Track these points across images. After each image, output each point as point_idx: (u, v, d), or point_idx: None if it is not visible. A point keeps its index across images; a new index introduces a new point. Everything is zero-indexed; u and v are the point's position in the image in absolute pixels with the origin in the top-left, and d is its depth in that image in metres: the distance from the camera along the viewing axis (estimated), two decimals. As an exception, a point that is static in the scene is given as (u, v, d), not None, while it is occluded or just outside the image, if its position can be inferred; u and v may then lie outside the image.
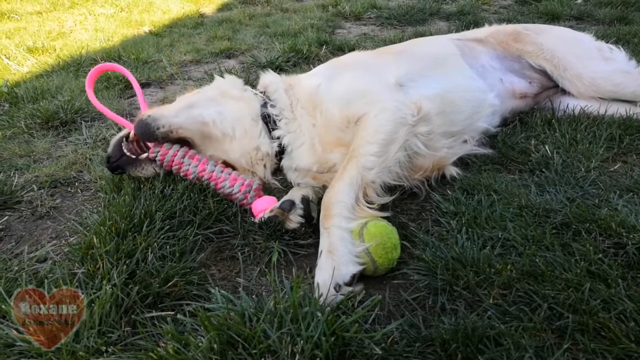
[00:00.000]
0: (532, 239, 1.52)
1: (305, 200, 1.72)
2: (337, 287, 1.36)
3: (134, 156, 1.85)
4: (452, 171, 1.92)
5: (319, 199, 1.81)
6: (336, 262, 1.41)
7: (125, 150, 1.85)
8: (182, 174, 1.82)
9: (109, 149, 1.92)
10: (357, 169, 1.64)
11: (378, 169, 1.67)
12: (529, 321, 1.24)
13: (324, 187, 1.85)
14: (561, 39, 2.55)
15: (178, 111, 1.85)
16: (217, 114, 1.88)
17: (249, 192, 1.80)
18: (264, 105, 1.97)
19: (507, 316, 1.27)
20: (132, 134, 1.88)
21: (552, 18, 4.78)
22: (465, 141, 2.08)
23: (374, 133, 1.71)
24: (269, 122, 1.94)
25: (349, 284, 1.38)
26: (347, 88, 1.92)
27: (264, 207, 1.74)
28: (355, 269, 1.41)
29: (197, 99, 1.96)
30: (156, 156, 1.81)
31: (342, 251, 1.43)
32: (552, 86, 2.50)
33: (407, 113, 1.79)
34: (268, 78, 2.10)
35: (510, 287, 1.36)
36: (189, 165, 1.81)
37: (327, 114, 1.86)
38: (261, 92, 2.05)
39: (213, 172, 1.80)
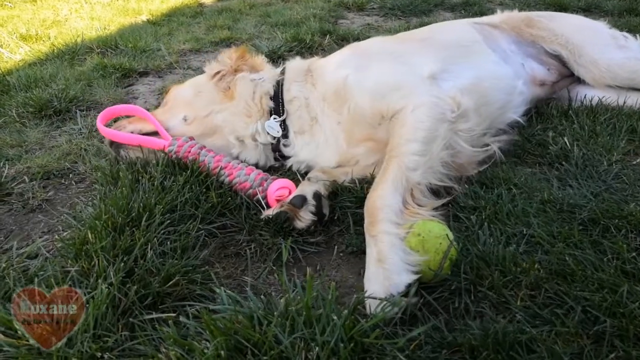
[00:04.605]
0: (559, 236, 1.43)
1: (317, 196, 1.59)
2: (391, 294, 1.21)
3: None
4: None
5: (329, 194, 1.71)
6: (388, 271, 1.25)
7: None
8: (198, 165, 1.79)
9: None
10: (400, 170, 1.51)
11: (422, 170, 1.54)
12: (562, 325, 1.14)
13: (334, 182, 1.73)
14: (575, 26, 2.46)
15: None
16: None
17: (266, 179, 1.73)
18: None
19: (537, 319, 1.18)
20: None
21: (560, 9, 4.67)
22: (494, 134, 1.97)
23: (414, 130, 1.59)
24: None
25: (403, 295, 1.22)
26: (379, 80, 1.80)
27: (281, 185, 1.67)
28: (409, 277, 1.24)
29: None
30: (173, 149, 1.83)
31: (394, 259, 1.27)
32: (570, 74, 2.40)
33: (446, 109, 1.69)
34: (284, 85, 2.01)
35: (538, 287, 1.26)
36: (205, 156, 1.80)
37: (357, 108, 1.76)
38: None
39: (230, 162, 1.78)
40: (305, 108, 1.92)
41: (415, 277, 1.25)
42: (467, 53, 2.11)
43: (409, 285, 1.23)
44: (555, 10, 4.70)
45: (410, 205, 1.46)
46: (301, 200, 1.56)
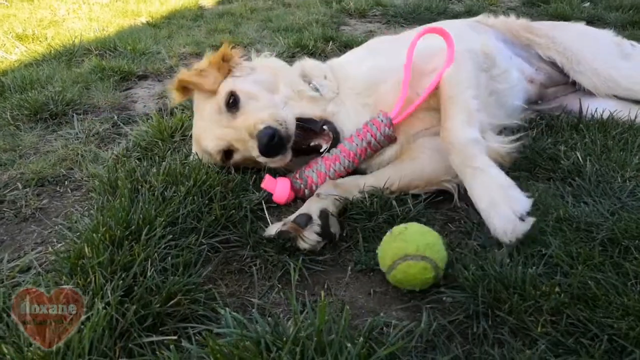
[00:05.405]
0: (579, 257, 1.36)
1: (324, 215, 1.49)
2: (522, 217, 1.38)
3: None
4: None
5: (340, 212, 1.62)
6: (512, 195, 1.42)
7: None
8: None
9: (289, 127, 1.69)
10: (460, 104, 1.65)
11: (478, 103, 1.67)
12: (587, 355, 1.07)
13: (346, 200, 1.63)
14: (575, 33, 2.43)
15: None
16: None
17: (312, 177, 1.72)
18: None
19: (560, 348, 1.11)
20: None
21: (562, 21, 4.66)
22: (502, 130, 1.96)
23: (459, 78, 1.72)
24: None
25: (530, 214, 1.39)
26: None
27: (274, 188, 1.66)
28: (530, 200, 1.43)
29: None
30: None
31: (512, 184, 1.45)
32: (562, 82, 2.36)
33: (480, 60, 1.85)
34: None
35: (559, 313, 1.19)
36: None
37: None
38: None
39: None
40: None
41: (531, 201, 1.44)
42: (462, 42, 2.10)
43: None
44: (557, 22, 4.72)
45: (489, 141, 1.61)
46: (305, 220, 1.46)
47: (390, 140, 1.79)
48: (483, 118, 1.66)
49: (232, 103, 1.73)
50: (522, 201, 1.42)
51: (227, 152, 1.79)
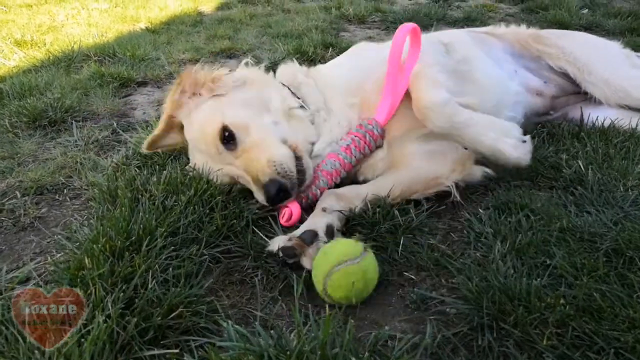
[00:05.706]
0: (583, 268, 1.36)
1: (329, 231, 1.45)
2: (523, 139, 1.64)
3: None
4: (480, 171, 1.79)
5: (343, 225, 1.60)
6: (503, 126, 1.64)
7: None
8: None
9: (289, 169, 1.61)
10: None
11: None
12: (594, 369, 1.07)
13: (350, 212, 1.60)
14: (584, 43, 2.44)
15: None
16: None
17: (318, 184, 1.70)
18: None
19: (567, 361, 1.10)
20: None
21: (561, 28, 4.67)
22: None
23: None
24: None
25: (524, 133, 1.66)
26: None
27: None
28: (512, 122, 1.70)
29: None
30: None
31: (495, 119, 1.68)
32: (573, 92, 2.36)
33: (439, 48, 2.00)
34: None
35: (565, 325, 1.18)
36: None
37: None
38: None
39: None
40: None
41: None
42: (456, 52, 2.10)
43: None
44: (557, 29, 4.73)
45: None
46: (311, 236, 1.41)
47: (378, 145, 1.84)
48: (451, 87, 1.72)
49: (229, 137, 1.67)
50: (513, 127, 1.68)
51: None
